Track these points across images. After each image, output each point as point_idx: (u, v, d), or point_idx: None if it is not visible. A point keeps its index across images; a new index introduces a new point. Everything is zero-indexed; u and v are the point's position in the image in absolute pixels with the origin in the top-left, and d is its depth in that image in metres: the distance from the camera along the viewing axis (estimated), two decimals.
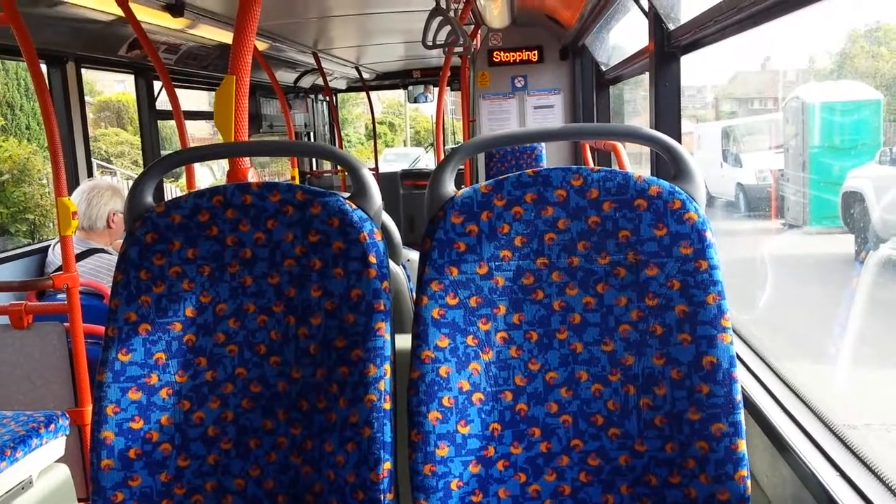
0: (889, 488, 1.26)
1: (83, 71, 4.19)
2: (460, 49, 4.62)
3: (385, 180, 7.69)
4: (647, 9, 2.75)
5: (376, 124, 8.41)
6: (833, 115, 6.63)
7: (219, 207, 1.41)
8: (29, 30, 2.56)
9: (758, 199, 8.50)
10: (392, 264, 1.72)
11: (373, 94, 8.68)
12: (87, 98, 4.42)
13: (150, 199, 1.44)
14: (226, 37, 4.59)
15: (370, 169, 1.45)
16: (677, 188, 1.32)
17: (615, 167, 3.10)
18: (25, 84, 13.03)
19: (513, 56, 5.83)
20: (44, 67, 3.85)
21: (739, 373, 1.31)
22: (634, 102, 6.23)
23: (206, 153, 1.60)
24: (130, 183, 1.53)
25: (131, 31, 3.56)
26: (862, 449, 1.38)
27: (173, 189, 12.49)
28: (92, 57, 4.25)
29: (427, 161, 12.68)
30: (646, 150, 3.59)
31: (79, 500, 2.25)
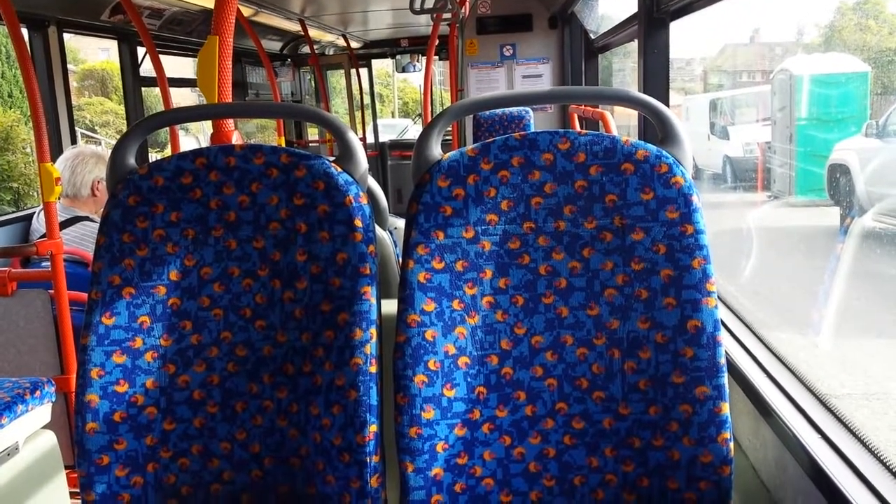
0: (871, 451, 1.27)
1: (65, 36, 4.12)
2: (448, 16, 4.57)
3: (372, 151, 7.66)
4: None
5: (363, 95, 8.33)
6: (820, 87, 6.63)
7: (202, 169, 1.40)
8: None
9: (744, 172, 8.54)
10: (378, 229, 1.72)
11: (360, 62, 8.59)
12: (70, 66, 4.35)
13: (132, 160, 1.43)
14: (210, 1, 4.53)
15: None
16: (664, 152, 1.32)
17: None
18: (6, 51, 12.83)
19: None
20: (25, 32, 3.79)
21: (724, 339, 1.32)
22: (623, 73, 6.21)
23: (190, 114, 1.58)
24: None
25: None
26: (843, 412, 1.39)
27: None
28: (74, 21, 4.18)
29: (415, 132, 12.61)
30: (633, 121, 3.58)
31: (65, 467, 2.25)
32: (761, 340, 1.77)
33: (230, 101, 1.85)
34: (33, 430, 2.11)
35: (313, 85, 8.67)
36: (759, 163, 8.23)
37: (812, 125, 6.60)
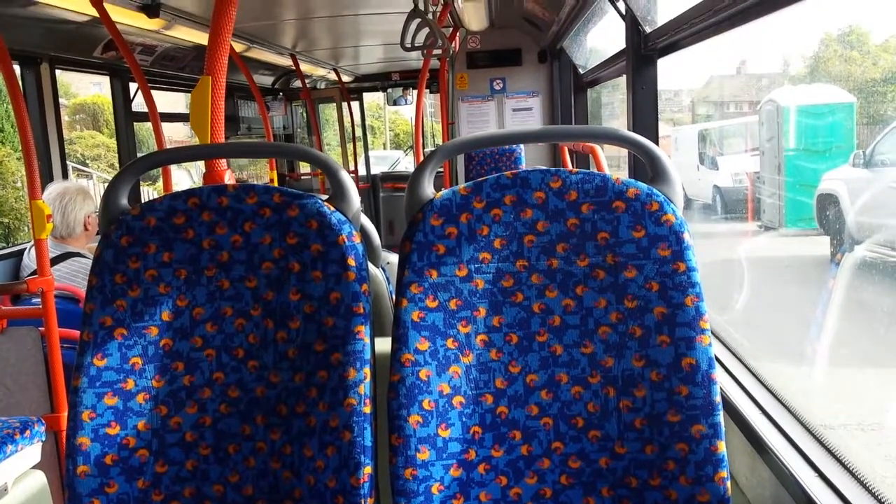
0: (866, 487, 1.27)
1: (58, 72, 4.14)
2: (439, 51, 4.62)
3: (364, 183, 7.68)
4: (623, 11, 2.76)
5: (355, 127, 8.37)
6: (807, 118, 6.70)
7: (194, 210, 1.40)
8: (1, 30, 2.52)
9: (734, 202, 8.58)
10: (371, 267, 1.71)
11: (352, 96, 8.66)
12: (62, 101, 4.37)
13: (124, 201, 1.43)
14: (202, 38, 4.56)
15: (349, 172, 1.44)
16: (655, 190, 1.32)
17: (593, 170, 3.11)
18: None
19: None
20: (17, 69, 3.80)
21: (718, 374, 1.32)
22: (612, 106, 6.27)
23: (182, 155, 1.58)
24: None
25: (106, 31, 3.53)
26: (839, 449, 1.39)
27: (151, 193, 12.38)
28: (66, 58, 4.20)
29: (406, 164, 12.66)
30: (624, 153, 3.61)
31: None
32: (755, 376, 1.77)
33: (223, 140, 1.86)
34: (23, 471, 2.08)
35: (305, 118, 8.72)
36: (749, 193, 8.29)
37: (800, 155, 6.66)
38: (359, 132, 8.48)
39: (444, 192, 1.37)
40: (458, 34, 5.25)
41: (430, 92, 8.25)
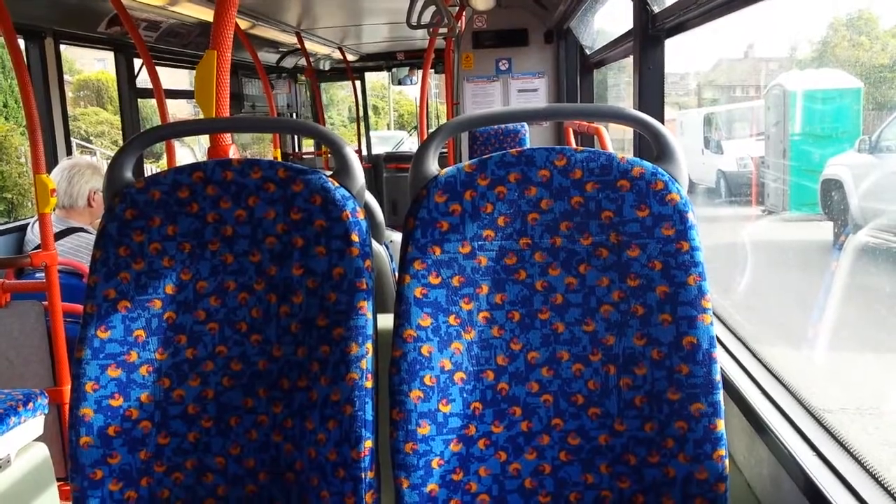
0: (864, 468, 1.28)
1: (62, 47, 4.13)
2: (445, 31, 4.60)
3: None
4: None
5: (359, 107, 8.35)
6: (814, 103, 6.67)
7: (199, 184, 1.40)
8: (6, 3, 2.51)
9: (738, 186, 8.57)
10: (375, 244, 1.72)
11: (356, 75, 8.62)
12: (66, 77, 4.36)
13: (129, 174, 1.43)
14: (207, 14, 4.55)
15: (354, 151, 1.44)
16: (660, 169, 1.32)
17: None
18: (2, 61, 12.82)
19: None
20: (21, 43, 3.79)
21: (719, 354, 1.32)
22: (618, 87, 6.24)
23: (187, 128, 1.58)
24: None
25: (111, 6, 3.51)
26: (838, 431, 1.40)
27: (154, 170, 12.38)
28: (71, 33, 4.19)
29: (411, 144, 12.63)
30: (629, 136, 3.60)
31: (57, 480, 2.24)
32: (756, 356, 1.77)
33: (228, 115, 1.85)
34: (25, 443, 2.10)
35: (309, 97, 8.70)
36: (754, 177, 8.27)
37: (805, 140, 6.64)
38: (362, 112, 8.46)
39: (448, 169, 1.37)
40: (464, 13, 5.21)
41: (436, 72, 8.22)
